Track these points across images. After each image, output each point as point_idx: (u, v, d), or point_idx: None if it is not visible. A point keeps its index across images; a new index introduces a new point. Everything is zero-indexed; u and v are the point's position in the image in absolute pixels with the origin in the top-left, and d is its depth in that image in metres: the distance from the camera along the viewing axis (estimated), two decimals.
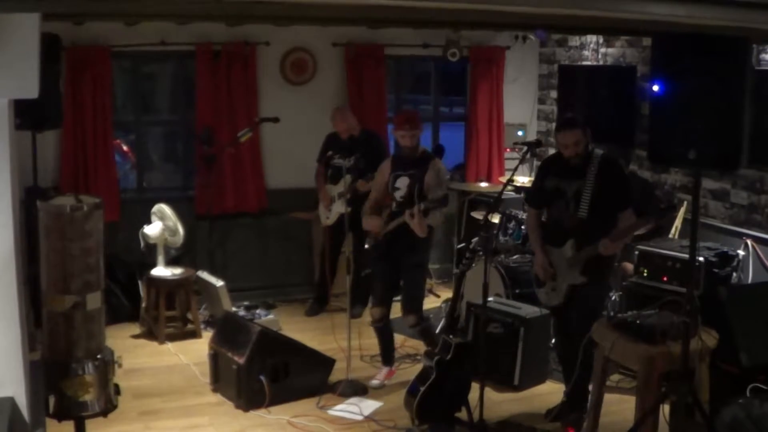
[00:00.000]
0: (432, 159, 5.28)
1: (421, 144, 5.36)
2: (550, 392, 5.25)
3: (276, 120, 6.75)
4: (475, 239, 4.70)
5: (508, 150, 8.03)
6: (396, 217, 5.19)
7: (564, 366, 4.97)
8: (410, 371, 5.47)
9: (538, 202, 4.98)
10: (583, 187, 4.60)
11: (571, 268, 4.68)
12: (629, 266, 5.58)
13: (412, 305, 5.31)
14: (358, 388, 5.27)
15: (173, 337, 6.20)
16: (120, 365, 4.18)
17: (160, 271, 6.25)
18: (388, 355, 5.58)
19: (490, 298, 5.39)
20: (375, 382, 5.44)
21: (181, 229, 6.24)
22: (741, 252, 5.58)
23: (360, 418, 4.91)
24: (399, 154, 5.42)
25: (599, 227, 4.53)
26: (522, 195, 7.18)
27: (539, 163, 8.02)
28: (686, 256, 4.62)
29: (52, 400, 3.84)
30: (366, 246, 5.43)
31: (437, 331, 6.17)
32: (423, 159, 5.25)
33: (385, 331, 5.48)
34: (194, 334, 6.27)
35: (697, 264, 4.88)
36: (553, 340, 5.81)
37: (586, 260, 4.60)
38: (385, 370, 5.56)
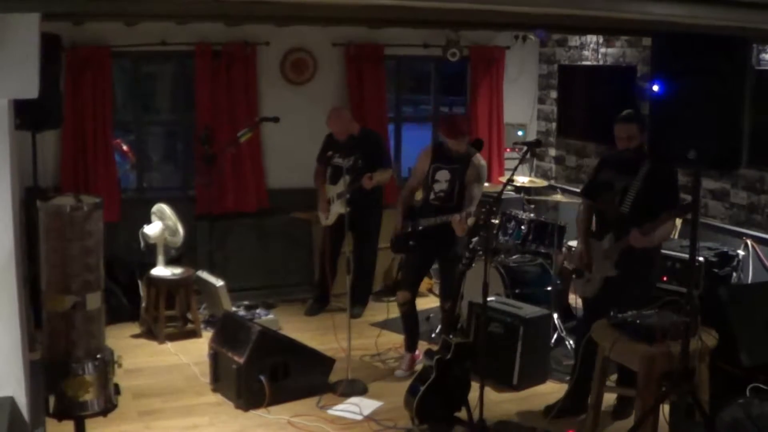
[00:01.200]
0: (474, 155, 5.34)
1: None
2: (551, 392, 5.25)
3: (276, 120, 6.74)
4: (475, 239, 4.71)
5: (508, 150, 8.04)
6: (433, 211, 5.29)
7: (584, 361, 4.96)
8: None
9: (589, 194, 5.06)
10: (631, 184, 4.67)
11: (605, 260, 4.73)
12: None
13: (451, 292, 5.33)
14: (358, 388, 5.27)
15: (173, 337, 6.20)
16: (120, 365, 4.19)
17: (160, 270, 6.25)
18: (412, 340, 5.64)
19: (491, 298, 5.39)
20: (399, 372, 5.51)
21: (181, 229, 6.24)
22: (741, 252, 5.59)
23: (360, 418, 4.91)
24: (441, 146, 5.43)
25: (639, 224, 4.55)
26: (522, 195, 7.20)
27: (536, 161, 8.15)
28: (686, 256, 4.62)
29: (52, 400, 3.85)
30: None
31: (437, 331, 6.19)
32: (465, 153, 5.32)
33: (410, 315, 5.59)
34: (194, 334, 6.26)
35: (697, 264, 4.88)
36: (557, 337, 5.83)
37: (621, 253, 4.64)
38: (408, 356, 5.62)
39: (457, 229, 5.13)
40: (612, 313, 4.34)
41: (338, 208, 6.51)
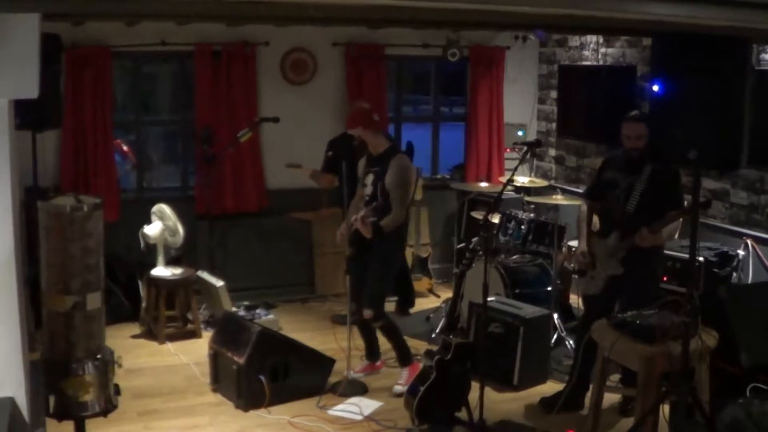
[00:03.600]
0: (394, 156, 5.11)
1: (388, 140, 5.26)
2: (551, 392, 5.24)
3: (276, 120, 6.74)
4: (475, 239, 4.71)
5: (508, 150, 8.04)
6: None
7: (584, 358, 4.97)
8: None
9: (593, 195, 5.07)
10: (635, 183, 4.69)
11: (611, 258, 4.75)
12: None
13: (367, 301, 5.19)
14: (358, 388, 5.27)
15: (173, 337, 6.20)
16: (120, 365, 4.18)
17: (160, 271, 6.25)
18: (369, 349, 5.59)
19: (491, 298, 5.39)
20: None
21: (181, 229, 6.24)
22: (741, 252, 5.58)
23: (360, 418, 4.91)
24: (369, 151, 5.30)
25: (645, 223, 4.57)
26: (522, 195, 7.20)
27: (536, 161, 8.15)
28: (686, 256, 4.62)
29: (52, 400, 3.84)
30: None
31: (437, 331, 6.19)
32: (386, 156, 5.12)
33: (362, 326, 5.45)
34: (194, 334, 6.27)
35: (697, 264, 4.88)
36: (557, 337, 5.82)
37: (627, 251, 4.66)
38: (365, 363, 5.58)
39: (362, 231, 5.01)
40: (616, 312, 4.35)
41: None
